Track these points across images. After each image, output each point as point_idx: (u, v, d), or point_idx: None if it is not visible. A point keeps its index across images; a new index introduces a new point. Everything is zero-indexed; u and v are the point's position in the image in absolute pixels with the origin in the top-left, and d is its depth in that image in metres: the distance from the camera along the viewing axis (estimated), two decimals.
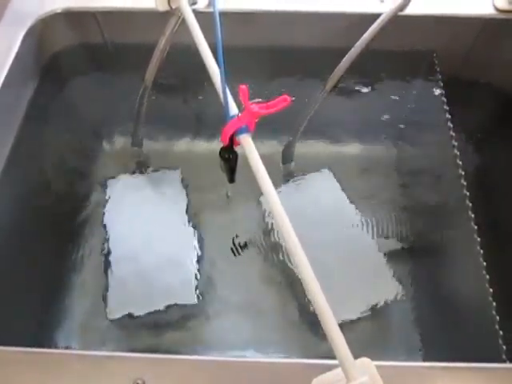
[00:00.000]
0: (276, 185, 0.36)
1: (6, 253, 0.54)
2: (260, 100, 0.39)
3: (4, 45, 0.58)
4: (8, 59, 0.57)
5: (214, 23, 0.40)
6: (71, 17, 0.62)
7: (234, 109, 0.40)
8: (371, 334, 0.61)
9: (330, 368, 0.34)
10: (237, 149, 0.42)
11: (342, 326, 0.59)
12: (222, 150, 0.42)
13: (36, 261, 0.60)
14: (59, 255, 0.67)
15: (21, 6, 0.61)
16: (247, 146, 0.38)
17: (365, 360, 0.34)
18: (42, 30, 0.61)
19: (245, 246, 0.69)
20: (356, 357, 0.33)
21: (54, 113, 0.67)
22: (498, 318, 0.46)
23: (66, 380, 0.37)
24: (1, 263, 0.54)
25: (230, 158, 0.42)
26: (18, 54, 0.57)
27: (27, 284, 0.58)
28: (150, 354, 0.39)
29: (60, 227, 0.68)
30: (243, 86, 0.36)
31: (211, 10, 0.43)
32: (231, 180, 0.45)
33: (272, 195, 0.36)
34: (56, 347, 0.61)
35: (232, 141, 0.40)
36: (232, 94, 0.42)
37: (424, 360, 0.59)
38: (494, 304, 0.47)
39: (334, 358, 0.33)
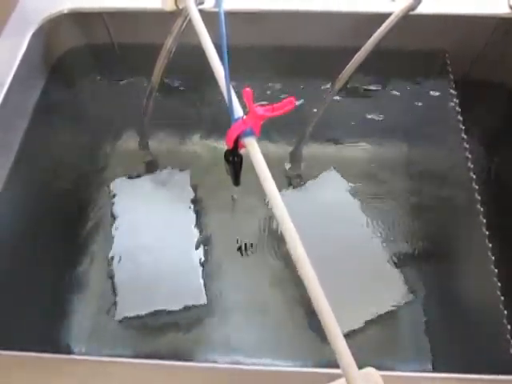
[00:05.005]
0: (281, 188, 0.36)
1: (9, 252, 0.54)
2: (265, 102, 0.38)
3: (11, 45, 0.58)
4: (15, 60, 0.57)
5: (220, 23, 0.40)
6: (78, 17, 0.62)
7: (238, 111, 0.39)
8: (378, 341, 0.60)
9: (333, 377, 0.34)
10: (242, 151, 0.41)
11: (348, 333, 0.58)
12: (227, 153, 0.41)
13: (41, 261, 0.60)
14: (65, 255, 0.67)
15: (28, 6, 0.62)
16: (252, 148, 0.38)
17: (370, 370, 0.33)
18: (49, 31, 0.61)
19: (251, 247, 0.68)
20: (362, 366, 0.33)
21: (61, 113, 0.67)
22: (509, 327, 0.44)
23: None
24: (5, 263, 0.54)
25: (234, 160, 0.42)
26: (25, 54, 0.58)
27: (32, 286, 0.58)
28: (154, 360, 0.39)
29: (66, 228, 0.68)
30: (247, 89, 0.36)
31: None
32: (236, 183, 0.44)
33: (276, 199, 0.36)
34: (62, 350, 0.61)
35: (237, 143, 0.40)
36: (238, 95, 0.41)
37: (432, 370, 0.58)
38: (506, 312, 0.45)
39: (338, 366, 0.32)
